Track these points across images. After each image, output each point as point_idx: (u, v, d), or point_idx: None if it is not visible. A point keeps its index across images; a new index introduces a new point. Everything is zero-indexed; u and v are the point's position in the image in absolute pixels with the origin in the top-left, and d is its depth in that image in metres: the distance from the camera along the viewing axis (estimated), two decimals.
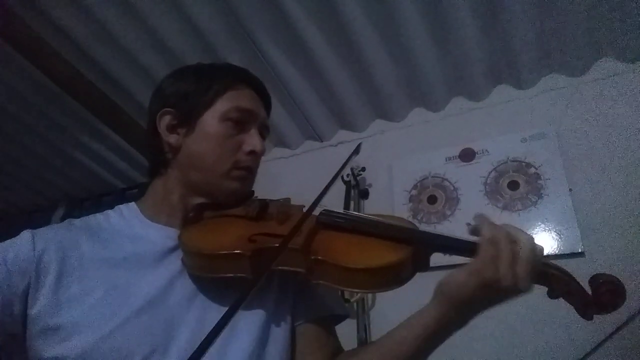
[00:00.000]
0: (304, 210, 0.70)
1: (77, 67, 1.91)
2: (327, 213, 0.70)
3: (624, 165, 1.63)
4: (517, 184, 1.77)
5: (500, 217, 1.74)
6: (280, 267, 0.63)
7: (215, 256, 0.64)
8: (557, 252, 1.59)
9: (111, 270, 0.63)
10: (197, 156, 0.73)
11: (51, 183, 2.90)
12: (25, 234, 0.64)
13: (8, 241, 0.63)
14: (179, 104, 0.75)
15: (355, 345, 1.68)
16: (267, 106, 0.84)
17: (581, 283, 0.58)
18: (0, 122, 2.32)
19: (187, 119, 0.74)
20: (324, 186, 0.72)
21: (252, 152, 0.74)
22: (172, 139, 0.74)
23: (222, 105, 0.74)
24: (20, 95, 2.15)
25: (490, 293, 0.55)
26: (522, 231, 0.57)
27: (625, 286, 0.55)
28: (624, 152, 1.65)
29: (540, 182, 1.73)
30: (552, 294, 0.60)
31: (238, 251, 0.62)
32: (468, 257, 0.58)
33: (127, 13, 1.75)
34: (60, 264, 0.62)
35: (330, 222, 0.68)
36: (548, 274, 0.58)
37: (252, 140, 0.75)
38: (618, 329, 1.25)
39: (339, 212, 0.70)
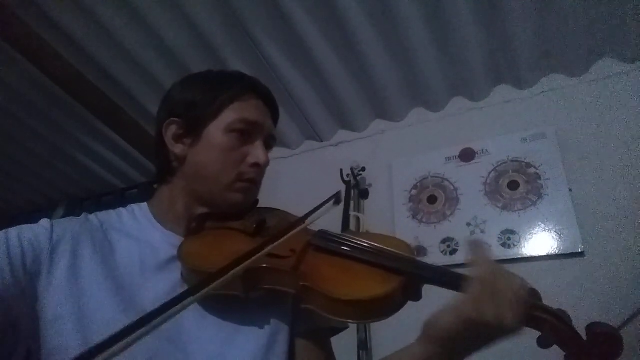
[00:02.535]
0: (296, 226, 0.67)
1: (77, 67, 1.91)
2: (321, 235, 0.69)
3: (624, 165, 1.62)
4: (517, 184, 1.77)
5: (500, 217, 1.74)
6: (270, 287, 0.63)
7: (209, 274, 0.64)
8: (557, 252, 1.59)
9: (116, 273, 0.64)
10: (201, 167, 0.73)
11: (51, 183, 2.90)
12: (45, 223, 0.65)
13: (28, 225, 0.63)
14: (186, 114, 0.74)
15: (356, 346, 1.69)
16: (275, 116, 0.82)
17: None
18: (0, 122, 2.32)
19: (193, 129, 0.73)
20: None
21: (256, 165, 0.73)
22: (178, 149, 0.74)
23: (228, 116, 0.73)
24: (21, 95, 2.16)
25: (477, 334, 0.53)
26: (513, 274, 0.56)
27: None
28: (624, 152, 1.65)
29: (540, 182, 1.73)
30: (543, 343, 0.55)
31: None
32: (460, 292, 0.56)
33: (127, 13, 1.75)
34: (72, 257, 0.62)
35: (323, 246, 0.67)
36: (541, 319, 0.55)
37: (256, 152, 0.74)
38: (618, 329, 1.25)
39: (333, 235, 0.69)
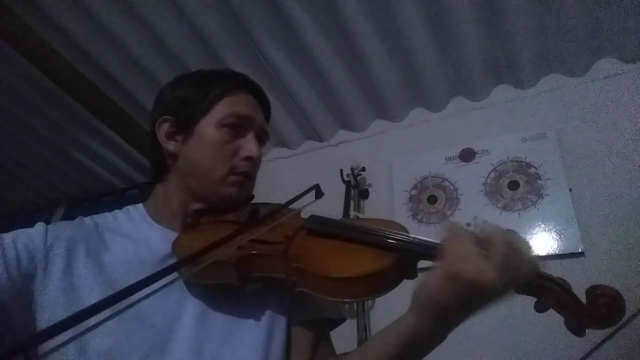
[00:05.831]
0: (292, 215, 0.69)
1: (77, 67, 1.91)
2: (312, 219, 0.69)
3: (624, 165, 1.62)
4: (517, 184, 1.77)
5: (500, 217, 1.74)
6: (263, 274, 0.63)
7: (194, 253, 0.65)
8: (557, 252, 1.59)
9: (111, 273, 0.64)
10: (194, 163, 0.74)
11: (51, 183, 2.90)
12: (39, 226, 0.65)
13: (22, 229, 0.64)
14: (178, 111, 0.75)
15: (356, 345, 1.69)
16: (266, 112, 0.83)
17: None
18: (0, 122, 2.32)
19: (185, 126, 0.75)
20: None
21: (248, 158, 0.74)
22: (171, 146, 0.75)
23: (219, 111, 0.74)
24: (20, 95, 2.15)
25: (462, 294, 0.51)
26: (506, 230, 0.53)
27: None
28: (624, 152, 1.65)
29: (540, 182, 1.73)
30: (540, 307, 0.54)
31: (224, 259, 0.62)
32: None
33: (127, 13, 1.75)
34: (67, 259, 0.63)
35: (316, 229, 0.67)
36: (535, 284, 0.54)
37: (248, 145, 0.75)
38: (618, 329, 1.25)
39: (325, 218, 0.69)
